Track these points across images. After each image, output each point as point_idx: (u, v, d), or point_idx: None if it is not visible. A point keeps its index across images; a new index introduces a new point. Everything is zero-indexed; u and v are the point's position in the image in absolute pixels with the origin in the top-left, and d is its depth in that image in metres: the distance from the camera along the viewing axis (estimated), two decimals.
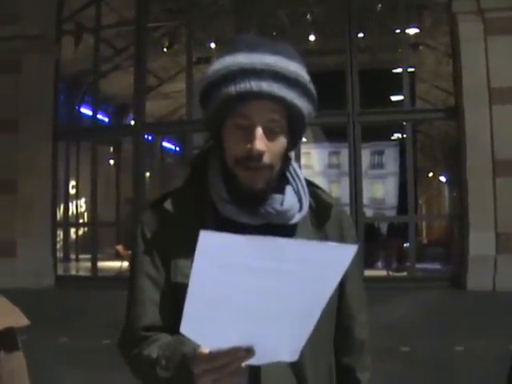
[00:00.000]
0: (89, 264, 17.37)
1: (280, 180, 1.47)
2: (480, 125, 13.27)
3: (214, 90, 1.37)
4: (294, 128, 1.42)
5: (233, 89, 1.33)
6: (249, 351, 1.13)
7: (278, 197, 1.43)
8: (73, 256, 23.29)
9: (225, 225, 1.39)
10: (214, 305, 1.10)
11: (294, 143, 1.47)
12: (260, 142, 1.35)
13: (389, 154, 49.19)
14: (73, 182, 23.24)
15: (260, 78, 1.33)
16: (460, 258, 14.07)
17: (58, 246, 18.18)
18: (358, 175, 14.77)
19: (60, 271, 16.71)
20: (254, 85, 1.32)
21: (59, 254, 18.66)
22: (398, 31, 16.78)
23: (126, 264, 18.71)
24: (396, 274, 17.02)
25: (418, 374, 6.58)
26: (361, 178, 14.92)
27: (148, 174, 21.30)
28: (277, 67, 1.34)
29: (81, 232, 23.94)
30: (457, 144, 14.83)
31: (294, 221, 1.44)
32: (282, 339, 1.16)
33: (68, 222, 20.76)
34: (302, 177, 1.52)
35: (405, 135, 16.77)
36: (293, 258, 1.07)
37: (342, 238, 1.55)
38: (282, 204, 1.43)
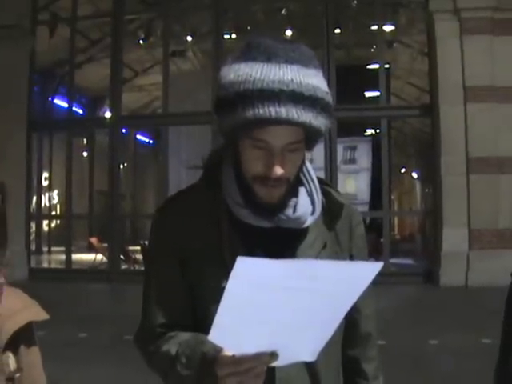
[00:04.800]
0: (61, 256, 17.24)
1: (294, 181, 1.47)
2: (454, 122, 13.46)
3: (230, 106, 1.34)
4: (310, 139, 1.42)
5: (251, 113, 1.30)
6: (273, 355, 1.18)
7: (291, 201, 1.45)
8: (45, 248, 23.09)
9: (238, 226, 1.43)
10: (244, 319, 1.15)
11: (309, 147, 1.46)
12: (278, 168, 1.36)
13: (361, 149, 49.30)
14: (45, 174, 23.00)
15: (279, 101, 1.30)
16: (433, 253, 14.24)
17: (31, 238, 17.99)
18: (334, 170, 14.87)
19: (32, 264, 16.58)
20: (272, 111, 1.29)
21: (31, 247, 18.47)
22: (373, 28, 16.88)
23: (100, 257, 18.58)
24: None
25: (393, 367, 6.64)
26: (336, 173, 15.03)
27: (121, 166, 21.19)
28: (295, 85, 1.31)
29: (53, 224, 23.74)
30: (430, 141, 14.99)
31: (306, 225, 1.47)
32: (303, 343, 1.22)
33: (41, 214, 20.55)
34: (315, 178, 1.52)
35: (378, 131, 16.87)
36: (323, 277, 1.12)
37: (350, 236, 1.58)
38: (294, 210, 1.44)
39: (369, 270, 1.15)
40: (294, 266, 1.12)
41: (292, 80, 1.32)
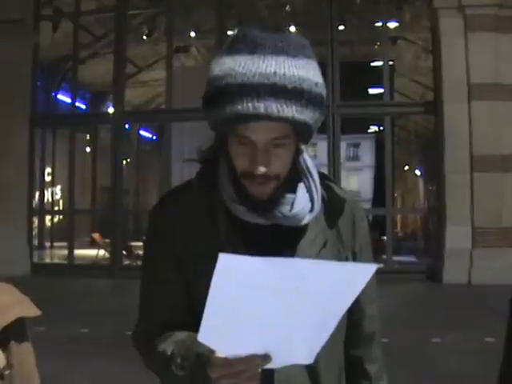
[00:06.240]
0: (63, 252, 17.23)
1: (292, 176, 1.43)
2: (458, 120, 13.43)
3: (214, 102, 1.31)
4: (300, 133, 1.36)
5: (231, 110, 1.27)
6: (266, 358, 1.14)
7: (288, 197, 1.40)
8: (47, 244, 23.10)
9: (236, 223, 1.40)
10: (231, 318, 1.11)
11: (304, 141, 1.41)
12: (262, 166, 1.32)
13: (365, 146, 49.32)
14: (48, 170, 23.02)
15: (258, 96, 1.25)
16: (436, 251, 14.22)
17: (33, 233, 18.02)
18: (337, 167, 14.84)
19: (35, 259, 16.60)
20: (251, 107, 1.25)
21: (34, 242, 18.49)
22: (377, 24, 16.86)
23: (102, 252, 18.60)
24: None
25: (396, 365, 6.64)
26: (339, 170, 14.99)
27: (124, 162, 21.21)
28: (277, 78, 1.25)
29: (55, 219, 23.77)
30: (434, 138, 14.96)
31: (303, 222, 1.42)
32: (298, 345, 1.18)
33: (44, 210, 20.55)
34: (314, 172, 1.47)
35: (381, 128, 16.87)
36: (312, 278, 1.08)
37: (353, 233, 1.53)
38: (291, 208, 1.39)
39: (363, 271, 1.10)
40: (279, 264, 1.06)
41: (275, 73, 1.26)
